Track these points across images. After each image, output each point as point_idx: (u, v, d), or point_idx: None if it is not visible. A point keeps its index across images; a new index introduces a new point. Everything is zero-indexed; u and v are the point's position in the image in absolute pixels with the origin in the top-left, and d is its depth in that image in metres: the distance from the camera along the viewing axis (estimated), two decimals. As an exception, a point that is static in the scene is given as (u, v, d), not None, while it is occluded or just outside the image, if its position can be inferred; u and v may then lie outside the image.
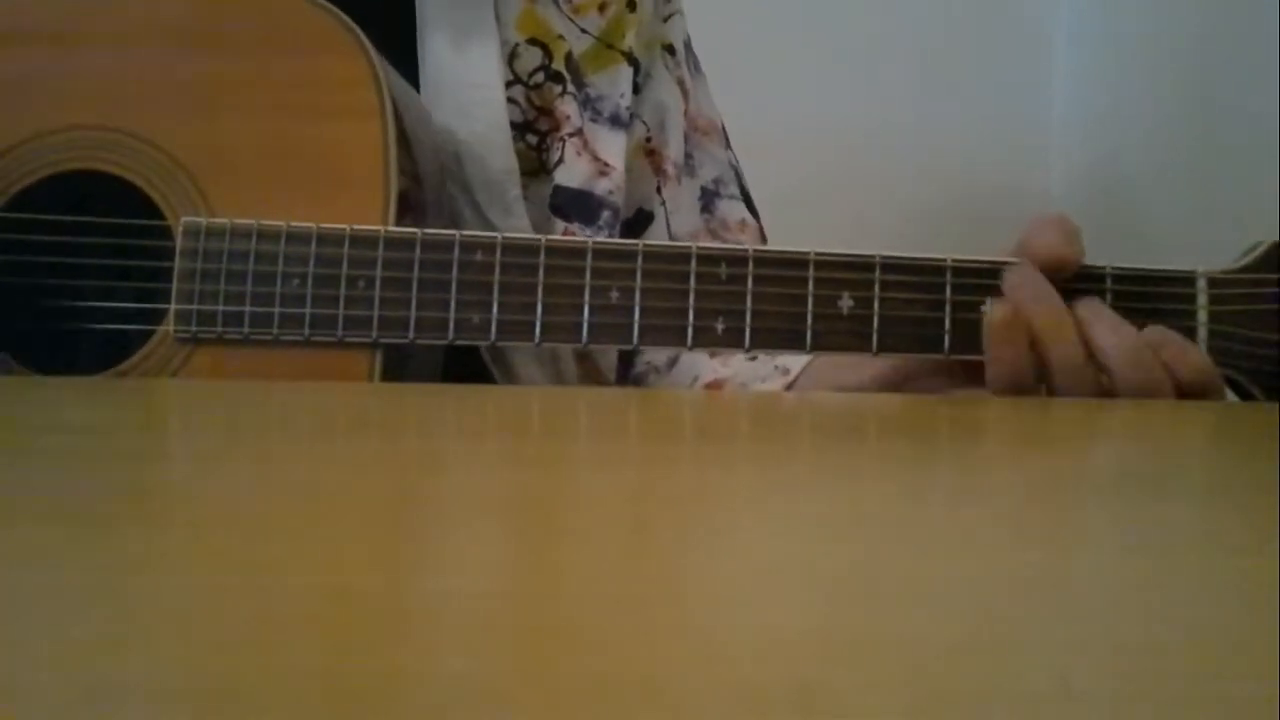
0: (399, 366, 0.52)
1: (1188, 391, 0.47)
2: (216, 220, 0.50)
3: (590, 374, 0.68)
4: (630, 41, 0.70)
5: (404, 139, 0.52)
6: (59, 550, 0.20)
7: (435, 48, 0.63)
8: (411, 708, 0.14)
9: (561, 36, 0.67)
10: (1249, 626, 0.17)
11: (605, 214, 0.67)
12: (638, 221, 0.70)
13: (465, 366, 0.61)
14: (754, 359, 0.64)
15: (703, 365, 0.67)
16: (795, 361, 0.60)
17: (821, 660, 0.15)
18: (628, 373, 0.71)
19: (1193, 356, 0.47)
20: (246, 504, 0.25)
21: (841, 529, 0.24)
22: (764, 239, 0.74)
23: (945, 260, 0.49)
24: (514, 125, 0.64)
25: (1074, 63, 1.26)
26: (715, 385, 0.65)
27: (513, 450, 0.34)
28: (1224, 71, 0.95)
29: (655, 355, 0.71)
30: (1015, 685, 0.15)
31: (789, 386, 0.60)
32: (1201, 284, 0.49)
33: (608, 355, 0.69)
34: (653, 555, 0.22)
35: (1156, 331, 0.48)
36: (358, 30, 0.52)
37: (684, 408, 0.51)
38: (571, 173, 0.66)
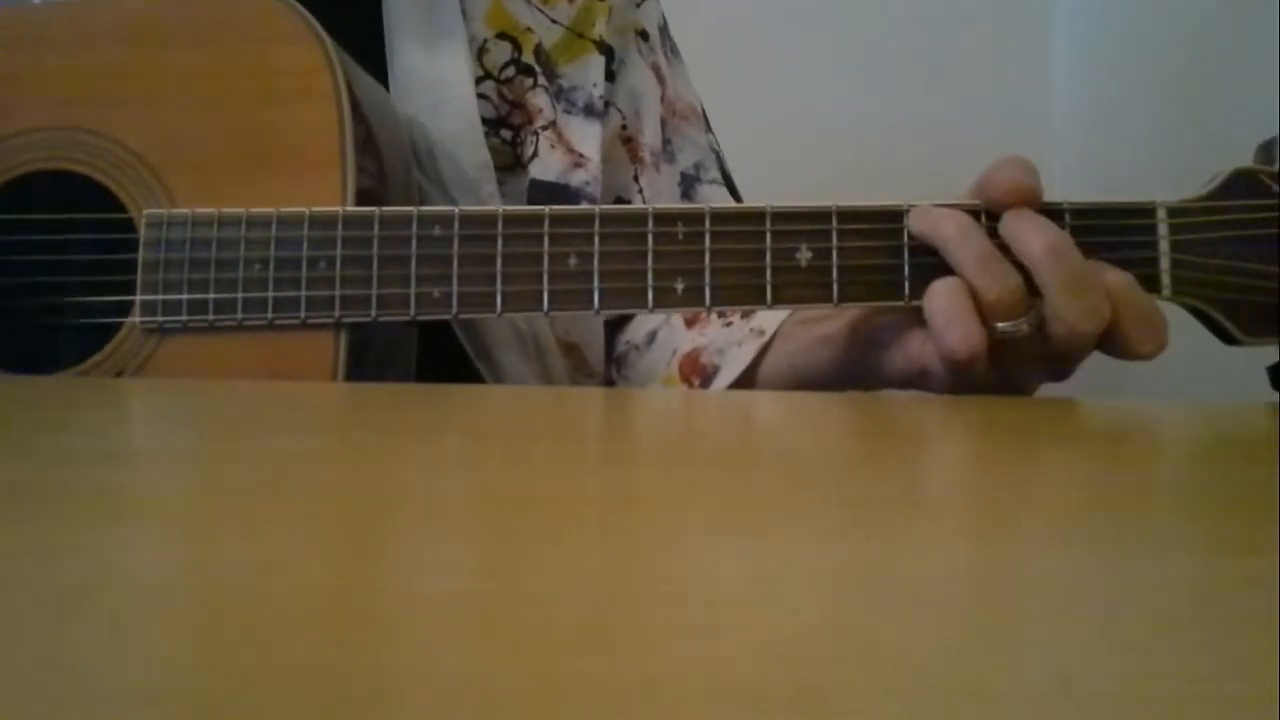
0: (367, 357, 0.52)
1: (1121, 309, 0.46)
2: (178, 211, 0.50)
3: (579, 365, 0.68)
4: (601, 30, 0.70)
5: (363, 126, 0.52)
6: (59, 550, 0.20)
7: (403, 48, 0.63)
8: (410, 708, 0.14)
9: (530, 29, 0.67)
10: (1249, 626, 0.17)
11: (582, 204, 0.67)
12: None
13: (450, 365, 0.61)
14: (729, 324, 0.64)
15: (680, 337, 0.67)
16: (769, 323, 0.60)
17: (821, 661, 0.15)
18: (610, 355, 0.71)
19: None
20: (245, 504, 0.25)
21: (841, 529, 0.24)
22: None
23: (901, 206, 0.49)
24: (487, 121, 0.64)
25: (1074, 63, 1.26)
26: (693, 354, 0.65)
27: (512, 450, 0.34)
28: (1224, 71, 0.95)
29: (634, 334, 0.71)
30: (1015, 685, 0.15)
31: (765, 348, 0.60)
32: (1161, 214, 0.48)
33: (594, 346, 0.69)
34: (650, 556, 0.22)
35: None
36: (310, 18, 0.53)
37: (682, 407, 0.51)
38: (546, 166, 0.66)
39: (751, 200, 0.75)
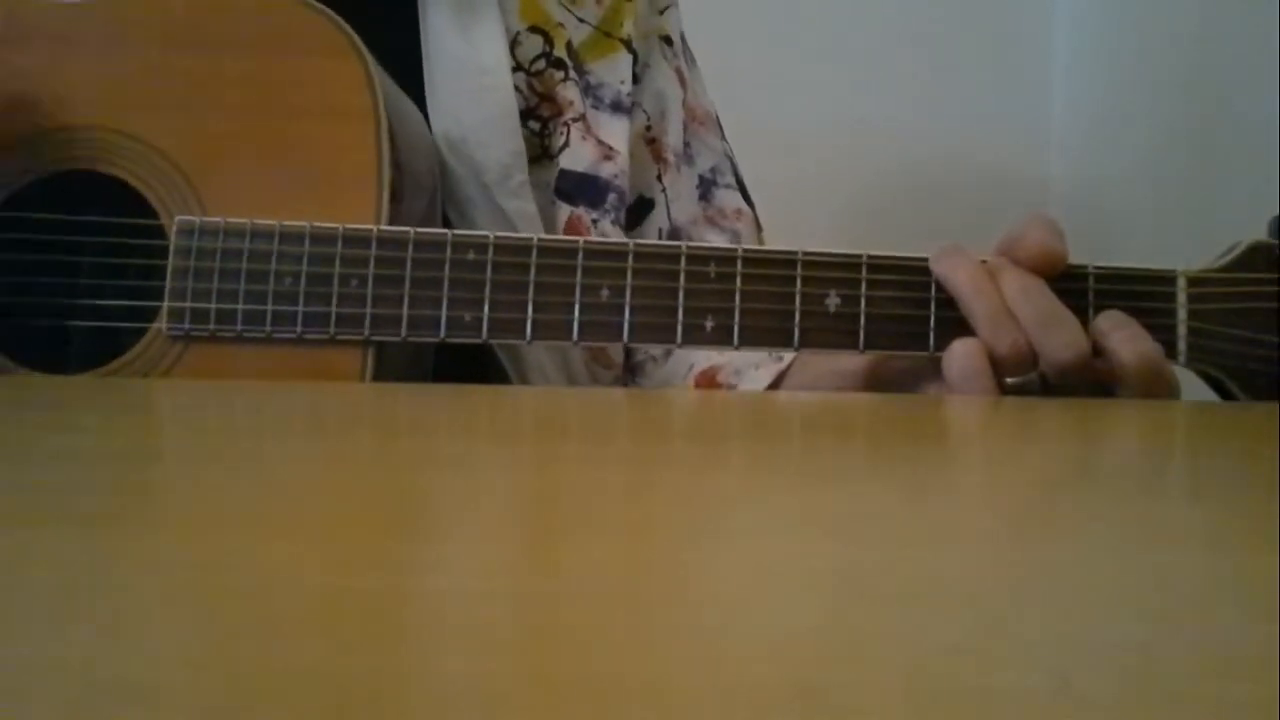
0: (389, 358, 0.52)
1: (1132, 379, 0.47)
2: (210, 219, 0.50)
3: (599, 358, 0.68)
4: (629, 30, 0.70)
5: (394, 143, 0.52)
6: (59, 550, 0.20)
7: (439, 33, 0.63)
8: (411, 708, 0.14)
9: (561, 25, 0.68)
10: (1249, 626, 0.17)
11: (611, 196, 0.67)
12: (639, 208, 0.71)
13: (474, 351, 0.61)
14: None
15: (698, 353, 0.68)
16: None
17: (821, 660, 0.15)
18: (628, 362, 0.72)
19: (1145, 343, 0.48)
20: (247, 504, 0.25)
21: (841, 529, 0.24)
22: (759, 227, 0.75)
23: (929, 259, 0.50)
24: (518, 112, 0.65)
25: (1074, 62, 1.26)
26: (710, 372, 0.66)
27: (513, 450, 0.34)
28: (1223, 71, 0.95)
29: (652, 345, 0.72)
30: (1015, 685, 0.15)
31: (783, 373, 0.60)
32: (1181, 283, 0.50)
33: None
34: (653, 555, 0.22)
35: (1112, 315, 0.48)
36: (351, 33, 0.53)
37: (683, 408, 0.51)
38: (577, 156, 0.67)
39: (762, 203, 0.76)
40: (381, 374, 0.51)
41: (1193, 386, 0.50)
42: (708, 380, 0.65)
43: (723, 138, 0.76)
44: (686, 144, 0.74)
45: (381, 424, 0.40)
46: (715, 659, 0.15)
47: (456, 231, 0.51)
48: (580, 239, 0.51)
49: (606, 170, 0.67)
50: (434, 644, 0.16)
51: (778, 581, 0.20)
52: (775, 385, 0.61)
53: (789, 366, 0.60)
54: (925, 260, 0.50)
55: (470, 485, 0.28)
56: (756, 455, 0.35)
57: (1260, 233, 0.51)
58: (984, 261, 0.49)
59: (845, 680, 0.15)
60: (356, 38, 0.52)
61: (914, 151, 1.25)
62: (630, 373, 0.72)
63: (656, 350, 0.71)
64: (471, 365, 0.62)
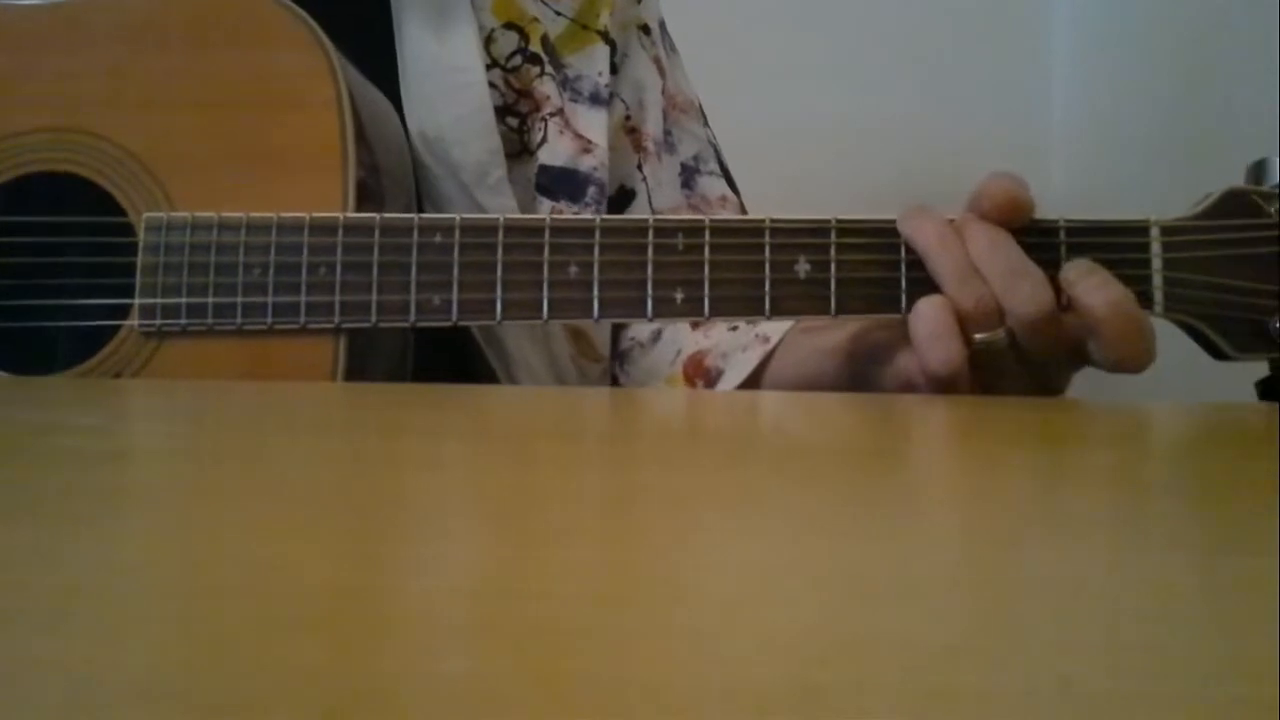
0: (365, 354, 0.52)
1: (1103, 327, 0.46)
2: (178, 214, 0.50)
3: (585, 351, 0.68)
4: (605, 21, 0.70)
5: (361, 131, 0.52)
6: (59, 550, 0.20)
7: (413, 33, 0.63)
8: (410, 708, 0.14)
9: (536, 19, 0.68)
10: (1249, 626, 0.17)
11: (591, 190, 0.67)
12: (620, 199, 0.71)
13: (459, 350, 0.61)
14: (734, 329, 0.64)
15: (685, 339, 0.68)
16: (774, 330, 0.61)
17: (820, 660, 0.15)
18: (614, 350, 0.72)
19: (1115, 290, 0.47)
20: (245, 504, 0.25)
21: (840, 529, 0.24)
22: (745, 214, 0.74)
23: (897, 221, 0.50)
24: (494, 109, 0.64)
25: (1074, 63, 1.26)
26: (697, 357, 0.65)
27: (512, 450, 0.34)
28: (1223, 70, 0.95)
29: (639, 331, 0.71)
30: (1015, 685, 0.15)
31: (769, 355, 0.60)
32: (1155, 232, 0.49)
33: (600, 330, 0.69)
34: (652, 556, 0.22)
35: (1079, 264, 0.48)
36: (313, 23, 0.52)
37: (682, 407, 0.51)
38: (555, 151, 0.66)
39: (750, 200, 0.75)
40: (356, 370, 0.51)
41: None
42: (695, 365, 0.65)
43: (705, 125, 0.76)
44: (668, 132, 0.73)
45: (381, 424, 0.40)
46: (714, 659, 0.15)
47: (423, 215, 0.50)
48: (547, 216, 0.50)
49: (585, 164, 0.67)
50: (433, 644, 0.16)
51: (777, 582, 0.20)
52: (763, 366, 0.60)
53: (775, 348, 0.60)
54: (893, 222, 0.49)
55: (470, 485, 0.28)
56: (756, 455, 0.35)
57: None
58: (951, 220, 0.49)
59: (845, 680, 0.15)
60: (319, 29, 0.52)
61: (913, 152, 1.25)
62: (618, 361, 0.72)
63: (643, 336, 0.71)
64: (457, 365, 0.62)
